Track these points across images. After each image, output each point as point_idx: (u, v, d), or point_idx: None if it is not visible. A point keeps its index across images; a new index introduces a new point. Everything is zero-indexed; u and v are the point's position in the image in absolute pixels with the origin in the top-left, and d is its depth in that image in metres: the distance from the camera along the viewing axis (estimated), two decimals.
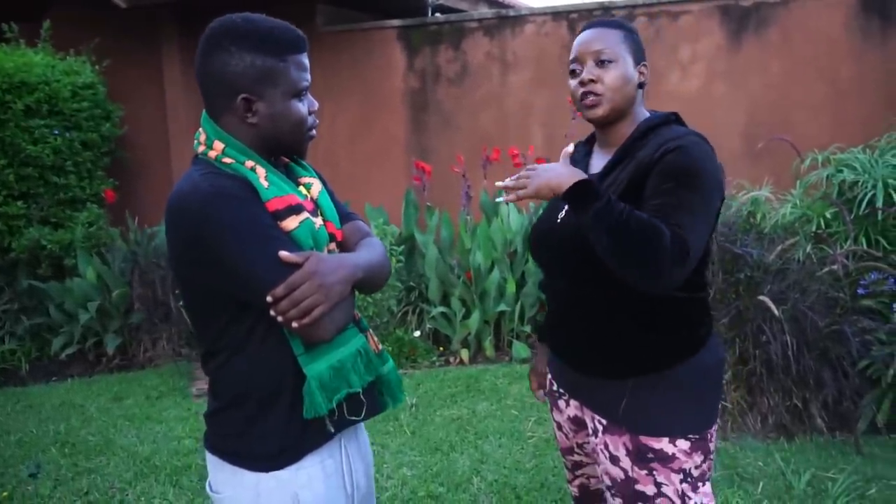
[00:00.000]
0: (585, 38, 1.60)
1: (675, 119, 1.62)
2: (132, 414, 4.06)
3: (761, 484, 2.97)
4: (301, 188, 1.47)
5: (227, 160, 1.37)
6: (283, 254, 1.28)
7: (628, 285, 1.41)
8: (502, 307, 4.71)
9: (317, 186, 1.50)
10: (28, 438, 3.77)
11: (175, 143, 5.95)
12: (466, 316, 4.80)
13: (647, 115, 1.64)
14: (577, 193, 1.41)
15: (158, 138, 6.01)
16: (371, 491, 1.60)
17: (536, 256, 1.75)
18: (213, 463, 1.45)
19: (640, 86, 1.62)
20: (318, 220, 1.43)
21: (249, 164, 1.37)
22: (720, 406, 1.65)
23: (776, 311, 3.14)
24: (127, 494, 3.15)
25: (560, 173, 1.45)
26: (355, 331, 1.44)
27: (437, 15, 6.03)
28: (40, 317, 5.11)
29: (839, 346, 3.31)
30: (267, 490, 1.38)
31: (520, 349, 4.65)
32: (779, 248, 3.43)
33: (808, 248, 3.55)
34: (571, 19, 5.39)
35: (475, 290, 4.78)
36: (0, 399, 4.40)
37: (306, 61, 1.42)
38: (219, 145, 1.38)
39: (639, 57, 1.62)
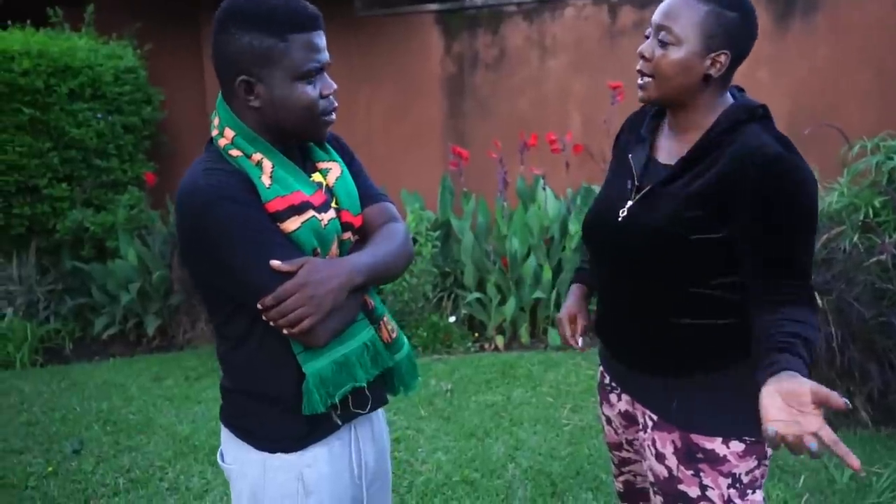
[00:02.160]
0: (662, 7, 1.40)
1: (762, 114, 1.43)
2: (172, 394, 4.13)
3: (803, 477, 2.92)
4: (316, 175, 1.43)
5: (234, 152, 1.33)
6: (275, 263, 1.26)
7: (685, 284, 1.39)
8: (538, 294, 4.68)
9: (335, 171, 1.44)
10: (72, 416, 3.85)
11: None
12: (502, 302, 4.78)
13: (730, 100, 1.46)
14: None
15: (198, 122, 6.07)
16: (383, 472, 1.60)
17: (590, 247, 1.63)
18: (225, 434, 1.49)
19: (707, 78, 1.39)
20: (328, 215, 1.37)
21: (257, 157, 1.33)
22: None
23: (820, 302, 3.07)
24: (167, 472, 3.20)
25: (787, 389, 1.15)
26: (364, 323, 1.42)
27: None
28: (83, 297, 5.22)
29: (886, 338, 3.23)
30: (272, 468, 1.41)
31: (555, 336, 4.62)
32: (824, 237, 3.35)
33: (855, 238, 3.45)
34: (612, 3, 5.31)
35: (511, 276, 4.75)
36: (45, 377, 4.51)
37: (318, 41, 1.32)
38: (229, 133, 1.34)
39: (720, 42, 1.36)
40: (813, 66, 4.89)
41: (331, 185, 1.43)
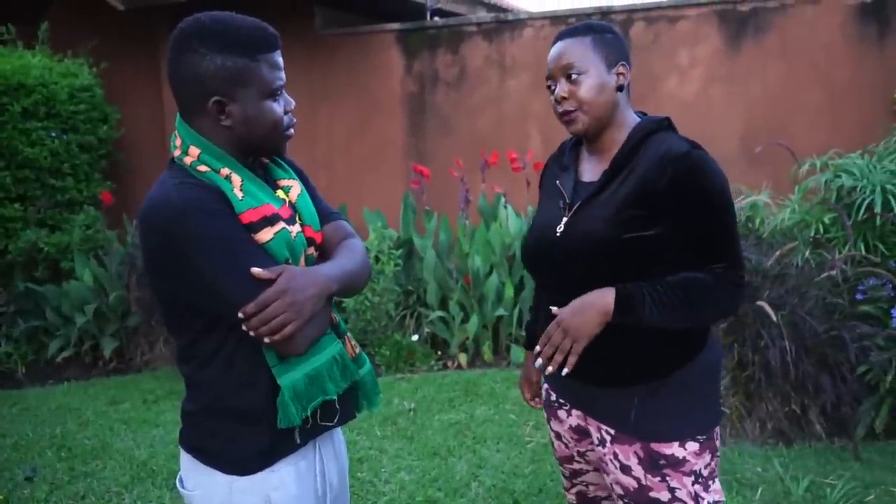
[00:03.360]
0: (554, 54, 1.58)
1: (667, 125, 1.59)
2: (129, 417, 4.04)
3: (760, 490, 2.97)
4: (279, 192, 1.45)
5: (202, 168, 1.34)
6: (256, 270, 1.27)
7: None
8: (500, 311, 4.71)
9: (296, 189, 1.47)
10: (24, 442, 3.75)
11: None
12: (465, 320, 4.79)
13: (637, 118, 1.61)
14: (622, 307, 1.46)
15: (155, 141, 6.00)
16: (344, 490, 1.61)
17: (533, 270, 1.70)
18: (185, 459, 1.47)
19: (620, 88, 1.57)
20: (295, 228, 1.40)
21: (225, 172, 1.34)
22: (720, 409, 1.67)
23: (774, 317, 3.14)
24: (123, 498, 3.13)
25: (585, 306, 1.47)
26: (332, 337, 1.43)
27: (436, 19, 6.02)
28: (37, 319, 5.09)
29: (838, 351, 3.31)
30: (239, 490, 1.39)
31: (518, 353, 4.64)
32: (777, 253, 3.43)
33: (807, 254, 3.55)
34: (569, 23, 5.39)
35: (473, 294, 4.77)
36: None
37: (280, 59, 1.37)
38: (194, 151, 1.35)
39: (614, 58, 1.56)
40: (765, 85, 5.03)
41: (293, 201, 1.46)
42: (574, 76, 1.54)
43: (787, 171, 4.23)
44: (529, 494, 3.02)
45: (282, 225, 1.35)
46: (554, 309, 1.51)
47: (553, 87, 1.58)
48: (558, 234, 1.59)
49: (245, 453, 1.39)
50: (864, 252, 3.53)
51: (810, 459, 3.23)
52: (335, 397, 1.41)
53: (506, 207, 5.03)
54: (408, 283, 5.01)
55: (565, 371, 1.49)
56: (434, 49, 5.70)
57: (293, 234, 1.38)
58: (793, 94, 4.96)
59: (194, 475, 1.44)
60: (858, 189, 3.68)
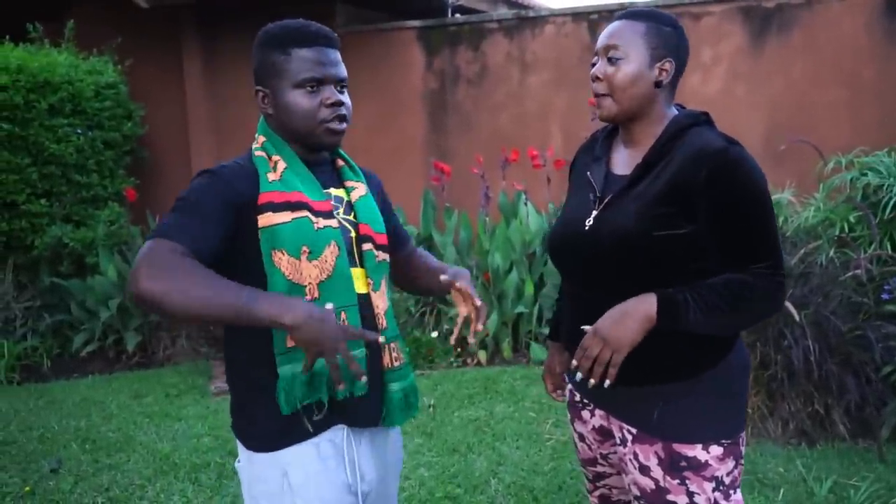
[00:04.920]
0: (605, 32, 1.54)
1: (705, 119, 1.54)
2: (152, 411, 4.09)
3: (782, 490, 2.94)
4: (340, 190, 1.55)
5: (258, 153, 1.48)
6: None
7: (656, 286, 1.43)
8: (520, 308, 4.70)
9: (360, 191, 1.57)
10: (50, 434, 3.81)
11: (195, 141, 5.99)
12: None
13: (676, 113, 1.56)
14: (666, 313, 1.40)
15: (179, 137, 6.06)
16: (387, 488, 1.60)
17: (559, 263, 1.66)
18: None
19: (659, 84, 1.51)
20: (326, 221, 1.44)
21: (275, 158, 1.46)
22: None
23: (797, 316, 3.10)
24: (147, 491, 3.17)
25: (626, 313, 1.41)
26: (355, 343, 1.42)
27: (457, 16, 6.02)
28: (62, 314, 5.16)
29: (862, 351, 3.27)
30: (259, 462, 1.46)
31: (537, 351, 4.63)
32: (801, 251, 3.39)
33: (831, 253, 3.51)
34: (591, 20, 5.37)
35: (493, 291, 4.77)
36: (22, 395, 4.45)
37: (320, 55, 1.45)
38: (260, 139, 1.50)
39: (663, 52, 1.50)
40: (788, 83, 4.97)
41: (353, 200, 1.55)
42: (614, 59, 1.49)
43: (812, 169, 4.19)
44: (549, 492, 3.02)
45: (304, 213, 1.42)
46: (585, 327, 1.46)
47: (595, 64, 1.55)
48: (587, 228, 1.54)
49: (260, 431, 1.46)
50: (889, 251, 3.49)
51: (834, 460, 3.20)
52: (325, 401, 1.42)
53: (526, 205, 5.02)
54: None
55: (607, 383, 1.42)
56: (455, 46, 5.70)
57: (318, 225, 1.42)
58: (817, 92, 4.91)
59: (239, 448, 1.52)
60: (885, 187, 3.63)
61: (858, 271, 3.31)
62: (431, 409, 3.93)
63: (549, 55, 5.48)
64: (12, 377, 4.75)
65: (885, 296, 3.38)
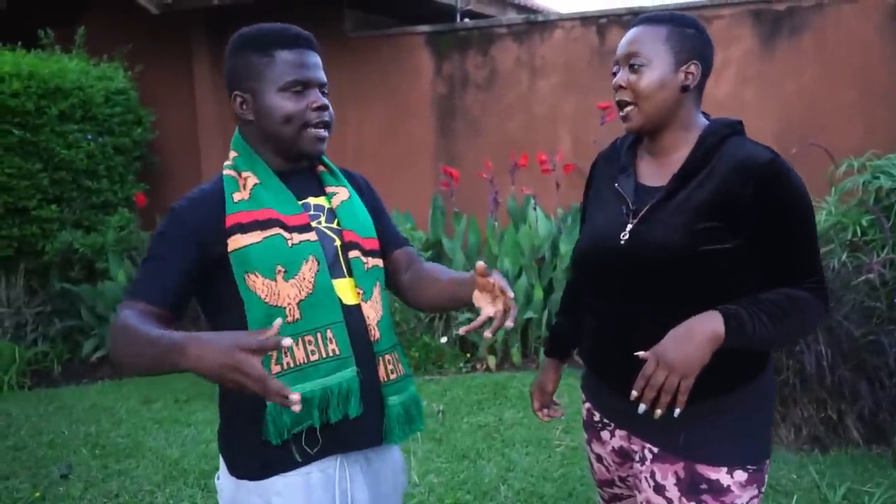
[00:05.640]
0: (625, 39, 1.47)
1: (740, 128, 1.47)
2: (161, 417, 4.09)
3: (795, 497, 2.91)
4: (320, 199, 1.48)
5: (227, 171, 1.44)
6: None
7: (690, 309, 1.34)
8: (529, 314, 4.68)
9: (342, 195, 1.50)
10: (60, 439, 3.81)
11: (205, 147, 6.01)
12: None
13: (705, 121, 1.49)
14: (734, 330, 1.32)
15: (188, 143, 6.08)
16: None
17: (591, 279, 1.55)
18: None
19: (685, 89, 1.43)
20: (301, 236, 1.38)
21: (245, 175, 1.41)
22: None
23: None
24: (156, 497, 3.17)
25: (690, 334, 1.31)
26: (344, 363, 1.37)
27: (466, 21, 6.02)
28: (72, 319, 5.18)
29: (875, 356, 3.24)
30: (245, 489, 1.40)
31: None
32: None
33: (844, 257, 3.48)
34: (601, 24, 5.36)
35: None
36: (33, 400, 4.47)
37: (306, 59, 1.40)
38: (232, 154, 1.46)
39: (687, 55, 1.43)
40: (799, 86, 4.94)
41: (334, 207, 1.48)
42: (636, 66, 1.43)
43: (823, 173, 4.15)
44: (559, 499, 3.00)
45: (276, 230, 1.37)
46: (641, 354, 1.33)
47: (616, 73, 1.48)
48: (623, 242, 1.45)
49: (247, 460, 1.40)
50: None
51: (847, 466, 3.16)
52: (317, 426, 1.35)
53: (535, 209, 5.01)
54: None
55: (678, 411, 1.31)
56: (464, 51, 5.70)
57: (293, 241, 1.37)
58: (828, 95, 4.88)
59: (222, 469, 1.48)
60: None
61: (871, 275, 3.28)
62: (441, 414, 3.92)
63: (558, 60, 5.47)
64: (23, 382, 4.77)
65: None
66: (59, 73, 5.11)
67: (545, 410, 1.79)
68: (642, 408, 1.33)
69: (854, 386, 3.23)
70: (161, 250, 1.37)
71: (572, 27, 5.44)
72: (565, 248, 4.70)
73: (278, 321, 1.13)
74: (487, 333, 1.35)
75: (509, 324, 1.31)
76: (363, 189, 1.58)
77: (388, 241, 1.57)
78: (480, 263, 1.35)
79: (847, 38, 4.81)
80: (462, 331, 1.37)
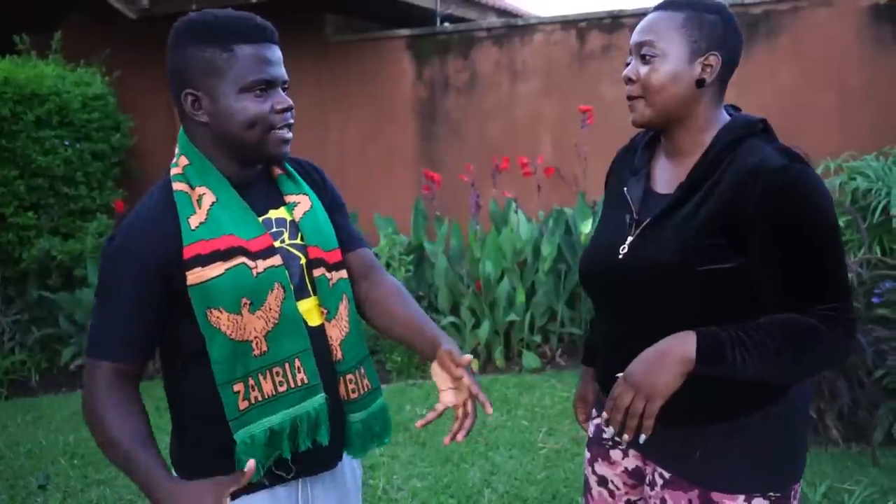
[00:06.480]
0: (639, 26, 1.34)
1: (762, 128, 1.34)
2: None
3: None
4: (282, 209, 1.36)
5: (177, 186, 1.29)
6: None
7: (697, 321, 1.25)
8: (512, 317, 4.69)
9: (304, 205, 1.38)
10: (38, 449, 3.76)
11: None
12: (476, 326, 4.78)
13: (726, 116, 1.36)
14: (706, 355, 1.20)
15: (168, 149, 5.97)
16: None
17: (590, 292, 1.48)
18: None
19: (701, 83, 1.30)
20: (265, 263, 1.27)
21: (200, 191, 1.27)
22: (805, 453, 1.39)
23: None
24: None
25: (659, 355, 1.21)
26: (312, 391, 1.30)
27: (446, 24, 6.03)
28: (50, 327, 5.11)
29: (854, 355, 3.27)
30: None
31: (530, 359, 4.62)
32: None
33: None
34: (581, 28, 5.39)
35: (485, 299, 4.76)
36: (10, 410, 4.40)
37: (269, 54, 1.26)
38: (183, 161, 1.31)
39: (705, 45, 1.29)
40: (776, 88, 4.99)
41: (297, 219, 1.36)
42: (648, 57, 1.30)
43: None
44: (543, 501, 3.00)
45: (240, 260, 1.24)
46: (619, 375, 1.26)
47: (629, 64, 1.35)
48: (620, 257, 1.35)
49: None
50: (879, 255, 3.50)
51: (827, 465, 3.19)
52: (288, 456, 1.30)
53: (517, 213, 5.01)
54: (419, 289, 5.01)
55: (643, 438, 1.23)
56: (444, 55, 5.70)
57: (257, 270, 1.26)
58: (805, 97, 4.93)
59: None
60: (874, 191, 3.66)
61: (849, 275, 3.32)
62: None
63: (539, 63, 5.49)
64: (0, 392, 4.70)
65: (875, 300, 3.38)
66: (35, 79, 5.06)
67: (589, 423, 1.65)
68: (610, 431, 1.27)
69: (833, 385, 3.25)
70: (112, 295, 1.26)
71: (553, 31, 5.47)
72: (547, 250, 4.71)
73: (251, 462, 1.19)
74: (446, 440, 1.29)
75: (462, 432, 1.29)
76: (319, 185, 1.45)
77: (343, 241, 1.43)
78: (467, 356, 1.26)
79: (823, 41, 4.87)
80: (418, 425, 1.35)
